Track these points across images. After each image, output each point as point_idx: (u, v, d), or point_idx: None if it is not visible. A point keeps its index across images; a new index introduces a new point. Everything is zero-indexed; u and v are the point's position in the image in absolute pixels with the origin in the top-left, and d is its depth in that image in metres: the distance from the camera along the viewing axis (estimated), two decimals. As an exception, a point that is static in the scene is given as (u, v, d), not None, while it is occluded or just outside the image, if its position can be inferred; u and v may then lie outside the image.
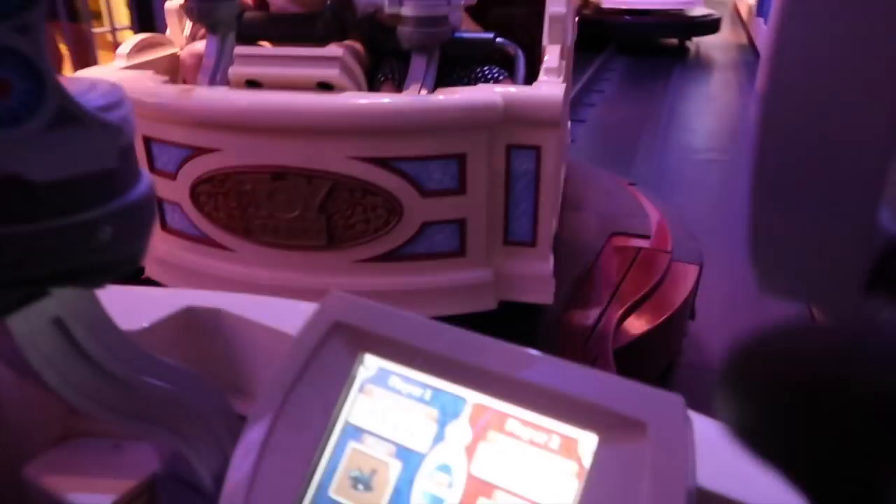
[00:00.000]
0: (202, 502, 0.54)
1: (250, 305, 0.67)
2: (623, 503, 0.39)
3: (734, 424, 0.19)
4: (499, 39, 1.87)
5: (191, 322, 0.67)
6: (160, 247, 1.78)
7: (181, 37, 2.07)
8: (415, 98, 1.54)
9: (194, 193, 1.62)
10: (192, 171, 1.60)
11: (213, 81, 1.65)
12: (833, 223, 0.22)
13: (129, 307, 0.64)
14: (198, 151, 1.57)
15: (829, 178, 0.21)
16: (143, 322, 0.64)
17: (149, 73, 1.71)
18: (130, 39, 1.87)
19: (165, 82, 1.64)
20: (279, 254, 1.62)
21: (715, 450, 0.40)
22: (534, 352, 0.45)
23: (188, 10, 1.68)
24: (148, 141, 1.65)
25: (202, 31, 2.03)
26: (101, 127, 0.36)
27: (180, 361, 0.51)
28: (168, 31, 2.08)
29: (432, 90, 1.64)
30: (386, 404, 0.47)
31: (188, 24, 2.06)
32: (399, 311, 0.50)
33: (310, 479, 0.46)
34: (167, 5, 2.06)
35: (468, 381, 0.45)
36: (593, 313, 1.91)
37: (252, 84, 1.55)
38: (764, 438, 0.18)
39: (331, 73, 1.50)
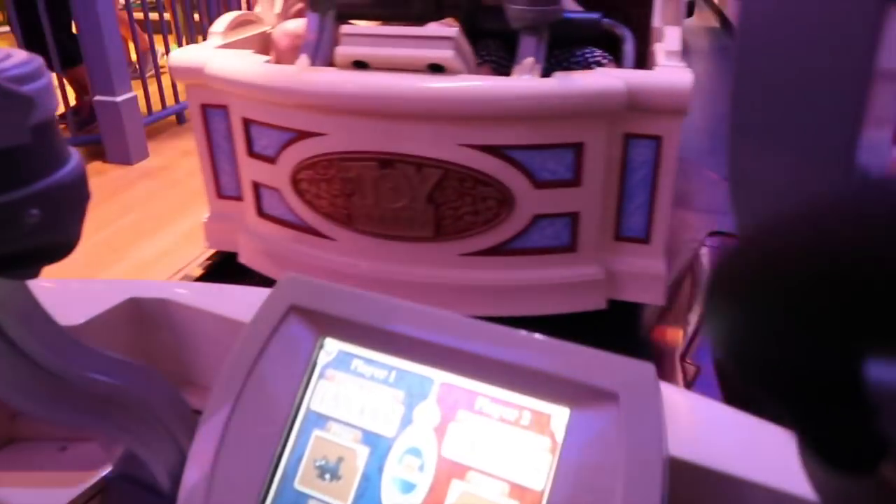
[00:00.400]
0: (159, 503, 0.51)
1: (199, 294, 0.64)
2: (598, 475, 0.38)
3: (721, 342, 0.18)
4: (605, 20, 1.76)
5: (135, 314, 0.63)
6: (255, 233, 1.73)
7: (271, 14, 2.00)
8: (533, 83, 1.44)
9: (295, 179, 1.56)
10: (294, 155, 1.53)
11: (314, 62, 1.58)
12: (812, 163, 0.21)
13: (68, 300, 0.61)
14: (301, 135, 1.50)
15: (807, 116, 0.21)
16: (83, 316, 0.60)
17: (248, 52, 1.65)
18: (225, 16, 1.81)
19: (267, 62, 1.57)
20: (382, 244, 1.55)
21: (679, 417, 0.41)
22: (499, 327, 0.43)
23: None
24: (247, 123, 1.59)
25: (294, 8, 1.96)
26: (8, 98, 0.33)
27: (126, 356, 0.49)
28: (258, 8, 2.02)
29: (542, 74, 1.54)
30: (349, 389, 0.45)
31: (279, 1, 1.99)
32: (358, 292, 0.47)
33: (273, 471, 0.45)
34: (259, -19, 1.99)
35: (434, 360, 0.44)
36: (691, 321, 1.80)
37: (359, 65, 1.47)
38: (746, 348, 0.18)
39: (445, 55, 1.41)
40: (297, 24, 1.81)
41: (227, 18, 1.80)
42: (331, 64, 1.60)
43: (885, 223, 0.15)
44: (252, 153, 1.62)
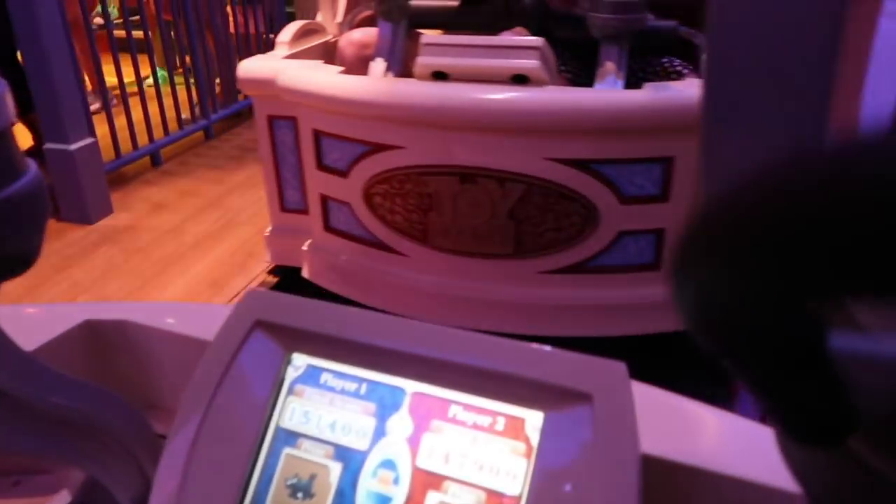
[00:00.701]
0: None
1: (158, 313, 0.62)
2: (575, 477, 0.39)
3: (686, 311, 0.18)
4: (682, 28, 1.69)
5: (92, 337, 0.60)
6: (321, 248, 1.68)
7: (332, 23, 1.96)
8: (624, 94, 1.38)
9: (368, 193, 1.51)
10: (367, 169, 1.48)
11: (387, 72, 1.53)
12: (781, 143, 0.21)
13: (19, 325, 0.58)
14: (376, 148, 1.45)
15: (776, 94, 0.21)
16: (36, 341, 0.57)
17: (319, 63, 1.60)
18: (290, 26, 1.77)
19: (341, 72, 1.52)
20: (458, 261, 1.49)
21: (651, 414, 0.41)
22: (469, 333, 0.43)
23: None
24: (317, 135, 1.55)
25: (360, 17, 1.92)
26: None
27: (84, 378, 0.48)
28: (319, 17, 1.98)
29: (626, 85, 1.48)
30: (319, 404, 0.45)
31: (341, 11, 1.96)
32: (323, 304, 0.47)
33: (243, 493, 0.44)
34: (321, -10, 1.96)
35: (405, 370, 0.44)
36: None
37: (438, 76, 1.42)
38: (708, 313, 0.18)
39: (531, 65, 1.35)
40: (363, 34, 1.77)
41: (292, 28, 1.76)
42: (404, 73, 1.55)
43: (824, 182, 0.15)
44: (321, 166, 1.57)
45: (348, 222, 1.59)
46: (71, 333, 0.59)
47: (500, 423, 0.41)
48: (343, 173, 1.53)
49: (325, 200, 1.62)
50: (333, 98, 1.45)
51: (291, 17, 3.73)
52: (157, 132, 2.84)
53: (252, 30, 3.43)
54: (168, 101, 2.93)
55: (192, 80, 3.09)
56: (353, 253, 1.61)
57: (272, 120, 1.63)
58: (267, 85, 1.55)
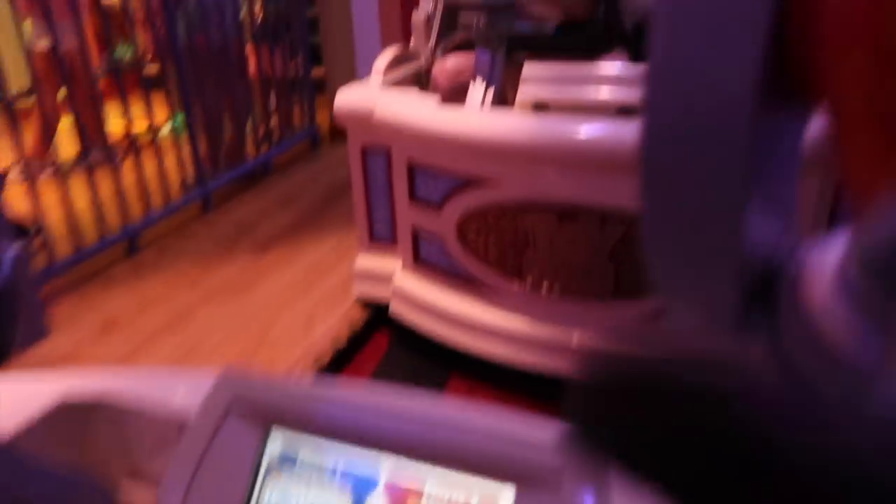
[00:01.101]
0: None
1: (136, 384, 0.61)
2: None
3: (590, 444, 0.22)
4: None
5: (69, 418, 0.58)
6: (410, 282, 1.65)
7: (426, 49, 1.94)
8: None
9: (461, 228, 1.46)
10: (462, 203, 1.44)
11: (485, 101, 1.49)
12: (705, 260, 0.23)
13: None
14: (472, 182, 1.41)
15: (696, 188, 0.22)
16: (10, 426, 0.55)
17: (415, 93, 1.58)
18: (385, 53, 1.76)
19: (440, 103, 1.49)
20: (552, 301, 1.42)
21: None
22: (443, 405, 0.44)
23: (466, 25, 1.53)
24: (412, 167, 1.52)
25: (452, 43, 1.89)
26: None
27: (61, 456, 0.48)
28: (412, 42, 1.97)
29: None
30: (297, 486, 0.46)
31: (433, 37, 1.93)
32: (298, 382, 0.49)
33: None
34: (414, 18, 1.94)
35: (381, 445, 0.45)
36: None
37: (538, 107, 1.36)
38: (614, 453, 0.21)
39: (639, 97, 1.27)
40: (457, 62, 1.73)
41: (387, 56, 1.75)
42: (502, 101, 1.50)
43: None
44: (414, 198, 1.54)
45: (437, 257, 1.55)
46: (46, 418, 0.57)
47: (475, 500, 0.43)
48: (437, 207, 1.50)
49: (415, 233, 1.59)
50: (433, 131, 1.41)
51: (316, 50, 3.32)
52: (136, 208, 2.21)
53: (268, 71, 2.84)
54: (151, 170, 2.30)
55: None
56: (441, 288, 1.57)
57: (366, 150, 1.61)
58: (365, 118, 1.54)
